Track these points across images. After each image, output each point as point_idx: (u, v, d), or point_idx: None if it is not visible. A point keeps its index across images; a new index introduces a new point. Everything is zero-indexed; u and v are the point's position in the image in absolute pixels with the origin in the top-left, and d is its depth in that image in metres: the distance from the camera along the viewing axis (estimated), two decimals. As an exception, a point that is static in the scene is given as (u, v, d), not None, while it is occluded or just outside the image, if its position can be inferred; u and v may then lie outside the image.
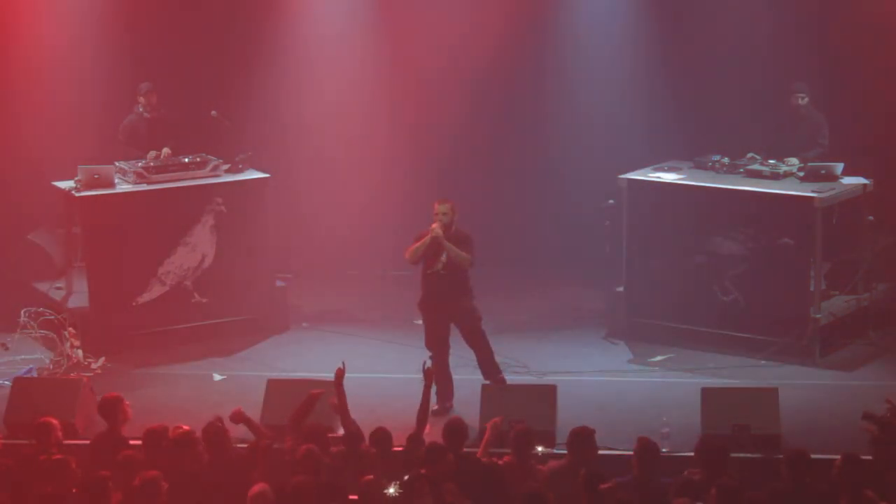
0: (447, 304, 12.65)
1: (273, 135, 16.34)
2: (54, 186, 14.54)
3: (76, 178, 14.21)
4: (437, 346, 12.67)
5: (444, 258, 12.54)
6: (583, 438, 10.31)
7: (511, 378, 12.92)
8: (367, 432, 10.68)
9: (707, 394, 11.88)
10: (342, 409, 11.01)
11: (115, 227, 14.15)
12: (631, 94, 15.95)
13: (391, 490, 9.65)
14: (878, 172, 14.25)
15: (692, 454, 10.20)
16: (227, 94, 15.89)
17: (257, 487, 9.46)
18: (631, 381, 13.36)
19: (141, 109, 15.14)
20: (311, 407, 10.92)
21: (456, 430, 10.45)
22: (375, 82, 16.41)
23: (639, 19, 15.88)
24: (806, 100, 14.52)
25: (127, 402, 11.08)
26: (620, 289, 14.40)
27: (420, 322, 13.22)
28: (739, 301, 13.84)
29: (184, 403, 12.75)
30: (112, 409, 10.97)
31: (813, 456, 9.86)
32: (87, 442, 11.11)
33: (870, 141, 15.22)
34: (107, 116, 15.50)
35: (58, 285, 14.81)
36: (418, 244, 12.58)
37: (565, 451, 10.44)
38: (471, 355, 12.86)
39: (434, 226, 12.50)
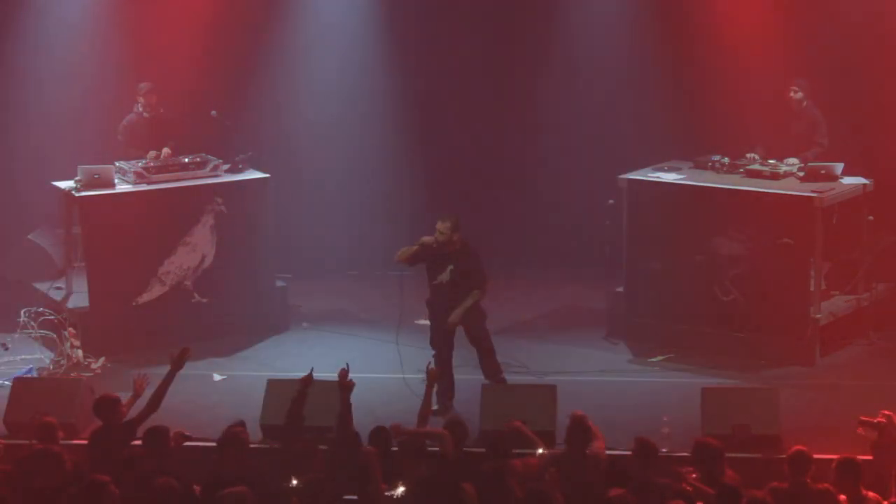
0: (455, 304, 12.65)
1: (273, 135, 16.34)
2: (54, 186, 14.53)
3: (76, 178, 14.19)
4: (442, 345, 12.66)
5: (449, 270, 12.55)
6: (575, 424, 10.35)
7: (511, 378, 12.92)
8: (366, 432, 10.68)
9: (707, 394, 11.89)
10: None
11: (115, 227, 14.13)
12: (631, 94, 15.95)
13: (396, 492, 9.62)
14: (878, 172, 14.25)
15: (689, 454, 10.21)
16: (227, 94, 15.89)
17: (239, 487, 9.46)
18: (631, 381, 13.36)
19: (141, 109, 15.13)
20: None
21: (456, 427, 10.44)
22: (376, 82, 16.42)
23: (639, 19, 15.87)
24: (801, 94, 14.49)
25: (123, 403, 11.06)
26: (620, 289, 14.40)
27: (421, 322, 13.22)
28: (739, 301, 13.83)
29: (184, 403, 12.72)
30: (109, 408, 10.88)
31: (813, 456, 9.86)
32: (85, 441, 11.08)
33: (870, 141, 15.22)
34: (107, 116, 15.50)
35: (58, 285, 14.79)
36: (407, 248, 12.64)
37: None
38: (471, 355, 12.86)
39: (425, 238, 12.54)
